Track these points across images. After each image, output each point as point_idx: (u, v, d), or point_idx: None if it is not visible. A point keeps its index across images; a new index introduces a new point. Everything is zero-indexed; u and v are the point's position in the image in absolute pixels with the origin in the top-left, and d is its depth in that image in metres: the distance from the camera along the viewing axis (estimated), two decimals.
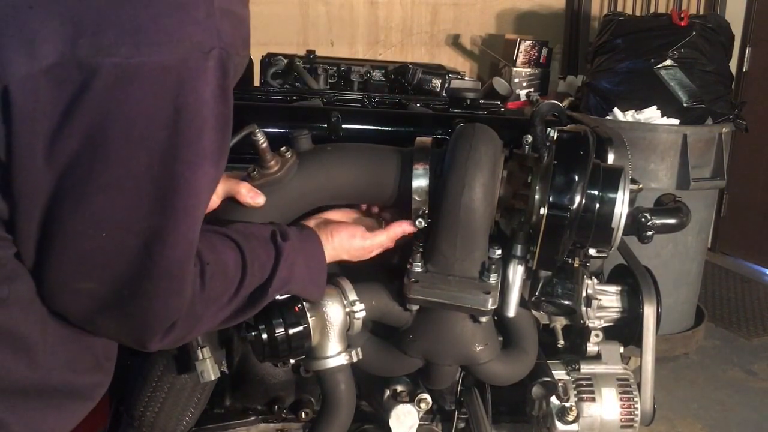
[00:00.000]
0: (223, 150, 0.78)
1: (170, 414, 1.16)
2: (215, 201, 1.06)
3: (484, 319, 1.09)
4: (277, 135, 1.23)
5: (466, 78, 2.14)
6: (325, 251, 1.06)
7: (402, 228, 1.10)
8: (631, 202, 1.14)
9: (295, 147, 1.10)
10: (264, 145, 1.04)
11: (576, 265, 1.21)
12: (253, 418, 1.33)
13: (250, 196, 1.04)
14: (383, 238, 1.10)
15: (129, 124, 0.68)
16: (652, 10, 4.13)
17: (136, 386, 1.18)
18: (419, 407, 1.23)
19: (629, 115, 3.14)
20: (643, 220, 1.27)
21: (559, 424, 1.27)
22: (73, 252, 0.73)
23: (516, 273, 1.10)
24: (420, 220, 1.08)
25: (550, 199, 1.02)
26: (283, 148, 1.07)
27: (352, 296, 1.09)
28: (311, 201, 1.11)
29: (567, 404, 1.27)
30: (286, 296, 1.05)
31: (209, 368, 1.09)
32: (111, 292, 0.76)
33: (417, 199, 1.08)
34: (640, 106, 3.14)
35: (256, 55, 2.09)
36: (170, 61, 0.68)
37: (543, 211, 1.02)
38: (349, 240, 1.08)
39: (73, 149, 0.68)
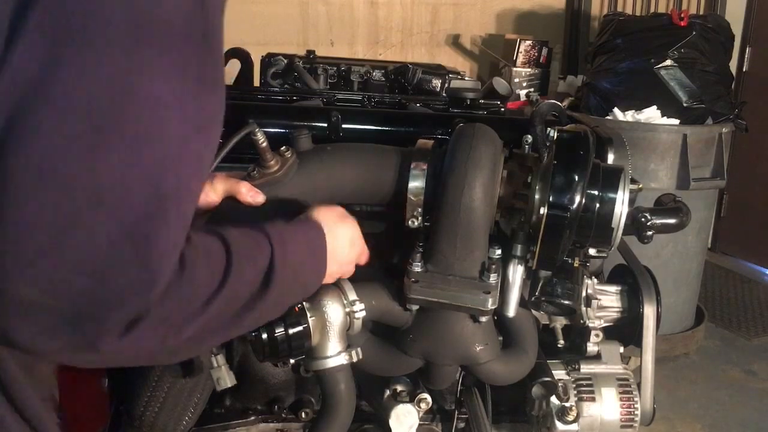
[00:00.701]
0: (200, 73, 0.65)
1: (170, 414, 1.16)
2: (215, 200, 1.06)
3: (484, 319, 1.09)
4: (277, 135, 1.24)
5: (466, 78, 2.14)
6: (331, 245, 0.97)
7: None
8: (631, 202, 1.14)
9: (295, 147, 1.10)
10: (264, 144, 1.04)
11: (576, 265, 1.21)
12: (253, 418, 1.34)
13: (251, 195, 1.04)
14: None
15: (85, 23, 0.59)
16: (652, 10, 4.13)
17: (136, 386, 1.18)
18: (419, 407, 1.23)
19: (629, 115, 3.14)
20: (643, 220, 1.27)
21: (559, 424, 1.27)
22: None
23: (516, 273, 1.10)
24: (413, 219, 1.08)
25: (550, 198, 1.02)
26: (283, 148, 1.07)
27: (352, 296, 1.09)
28: (311, 200, 1.11)
29: (567, 404, 1.27)
30: None
31: (225, 375, 1.10)
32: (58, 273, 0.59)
33: (413, 199, 1.08)
34: (640, 106, 3.14)
35: (256, 55, 2.10)
36: None
37: (543, 210, 1.02)
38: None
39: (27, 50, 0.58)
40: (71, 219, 0.59)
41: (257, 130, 1.03)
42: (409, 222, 1.08)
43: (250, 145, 1.03)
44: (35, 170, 0.58)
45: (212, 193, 1.05)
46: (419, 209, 1.08)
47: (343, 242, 1.02)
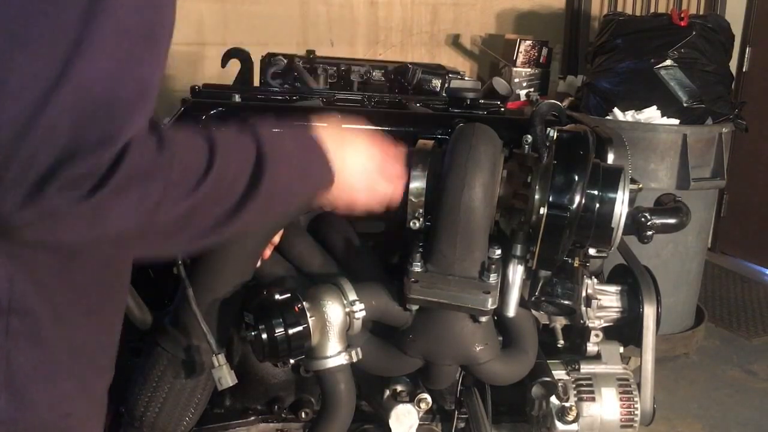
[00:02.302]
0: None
1: (171, 414, 1.16)
2: None
3: (483, 319, 1.09)
4: None
5: (466, 78, 2.13)
6: (339, 153, 0.93)
7: None
8: (631, 202, 1.14)
9: None
10: None
11: (576, 265, 1.21)
12: (253, 418, 1.34)
13: None
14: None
15: None
16: (652, 10, 4.13)
17: (136, 386, 1.18)
18: (419, 407, 1.23)
19: (629, 115, 3.14)
20: (643, 220, 1.27)
21: (559, 424, 1.27)
22: None
23: (516, 273, 1.10)
24: (414, 221, 1.08)
25: (550, 198, 1.02)
26: None
27: (352, 296, 1.09)
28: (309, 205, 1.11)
29: (567, 404, 1.27)
30: (286, 296, 1.05)
31: (226, 375, 1.09)
32: None
33: (413, 200, 1.08)
34: (640, 106, 3.14)
35: (256, 55, 2.09)
36: None
37: (543, 210, 1.02)
38: (375, 164, 0.99)
39: None
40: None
41: None
42: (411, 223, 1.08)
43: None
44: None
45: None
46: (420, 210, 1.08)
47: (356, 159, 0.98)
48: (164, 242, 0.76)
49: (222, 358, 1.10)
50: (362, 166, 1.00)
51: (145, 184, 0.67)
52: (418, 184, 1.07)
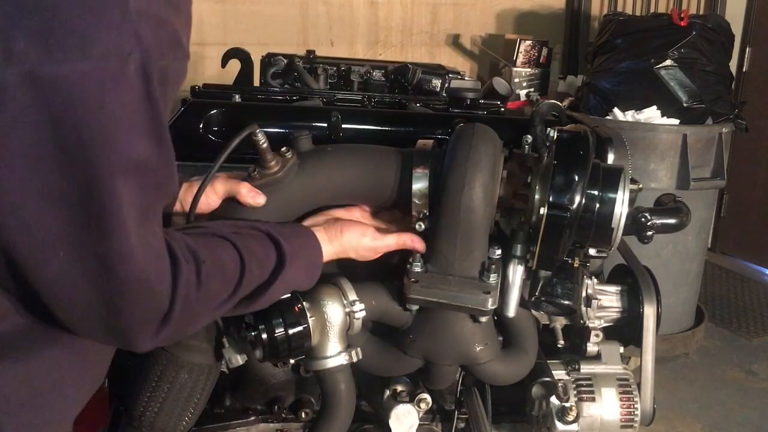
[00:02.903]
0: (156, 157, 0.73)
1: (170, 414, 1.16)
2: (215, 201, 1.06)
3: (483, 319, 1.09)
4: (277, 135, 1.23)
5: (466, 78, 2.14)
6: (333, 248, 1.06)
7: (412, 242, 1.09)
8: (631, 202, 1.14)
9: (296, 147, 1.10)
10: (264, 145, 1.04)
11: (576, 265, 1.21)
12: (253, 418, 1.33)
13: (251, 196, 1.04)
14: (392, 242, 1.10)
15: (53, 132, 0.65)
16: (652, 10, 4.13)
17: (136, 386, 1.18)
18: (419, 407, 1.23)
19: (629, 115, 3.14)
20: (643, 220, 1.27)
21: (559, 424, 1.27)
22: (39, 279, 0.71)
23: (516, 273, 1.10)
24: (420, 223, 1.08)
25: (550, 199, 1.02)
26: (283, 149, 1.07)
27: (352, 296, 1.09)
28: (312, 201, 1.11)
29: (567, 404, 1.27)
30: (286, 296, 1.05)
31: (236, 354, 1.11)
32: (87, 311, 0.75)
33: (417, 202, 1.08)
34: (640, 106, 3.14)
35: (256, 55, 2.09)
36: (86, 66, 0.64)
37: (543, 211, 1.02)
38: (359, 239, 1.08)
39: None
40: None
41: (258, 131, 1.02)
42: (416, 225, 1.08)
43: (250, 146, 1.03)
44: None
45: (213, 195, 1.06)
46: (425, 211, 1.08)
47: (352, 241, 1.09)
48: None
49: (231, 339, 1.10)
50: (358, 245, 1.09)
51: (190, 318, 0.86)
52: (421, 185, 1.07)
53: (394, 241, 1.10)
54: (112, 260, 0.72)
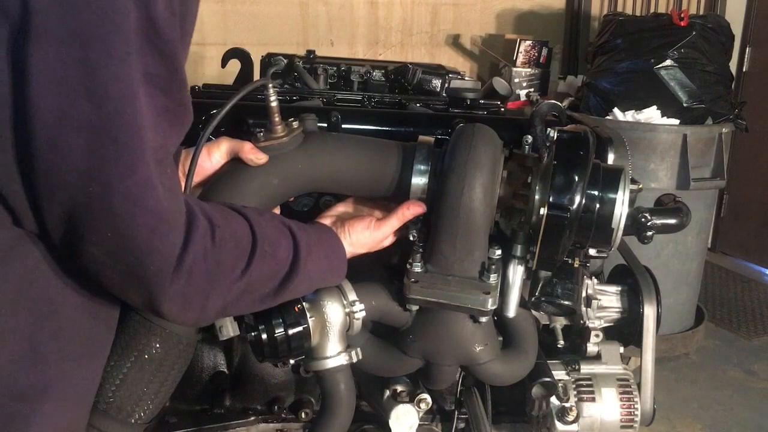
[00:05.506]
0: (166, 76, 0.73)
1: (132, 388, 0.99)
2: (219, 161, 1.06)
3: (483, 319, 1.09)
4: None
5: (466, 78, 2.13)
6: (348, 248, 1.07)
7: (411, 210, 1.09)
8: (631, 202, 1.14)
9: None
10: (274, 104, 1.04)
11: (576, 265, 1.21)
12: (253, 418, 1.33)
13: (253, 154, 1.04)
14: (394, 223, 1.09)
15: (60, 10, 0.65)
16: (652, 10, 4.13)
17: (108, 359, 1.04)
18: (419, 407, 1.23)
19: (629, 115, 3.14)
20: (643, 220, 1.27)
21: (559, 425, 1.27)
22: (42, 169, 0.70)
23: (516, 273, 1.10)
24: (414, 232, 1.09)
25: (550, 199, 1.02)
26: (291, 119, 1.08)
27: (352, 296, 1.09)
28: (309, 180, 1.10)
29: (567, 404, 1.27)
30: None
31: (228, 324, 1.04)
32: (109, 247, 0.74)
33: (415, 196, 1.08)
34: (640, 106, 3.14)
35: (256, 55, 2.09)
36: None
37: (543, 211, 1.02)
38: (364, 232, 1.08)
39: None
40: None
41: (271, 85, 1.02)
42: (410, 236, 1.09)
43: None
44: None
45: (216, 153, 1.06)
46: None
47: (359, 237, 1.09)
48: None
49: None
50: (366, 239, 1.09)
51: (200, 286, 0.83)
52: (420, 180, 1.08)
53: (395, 221, 1.09)
54: (129, 188, 0.71)
